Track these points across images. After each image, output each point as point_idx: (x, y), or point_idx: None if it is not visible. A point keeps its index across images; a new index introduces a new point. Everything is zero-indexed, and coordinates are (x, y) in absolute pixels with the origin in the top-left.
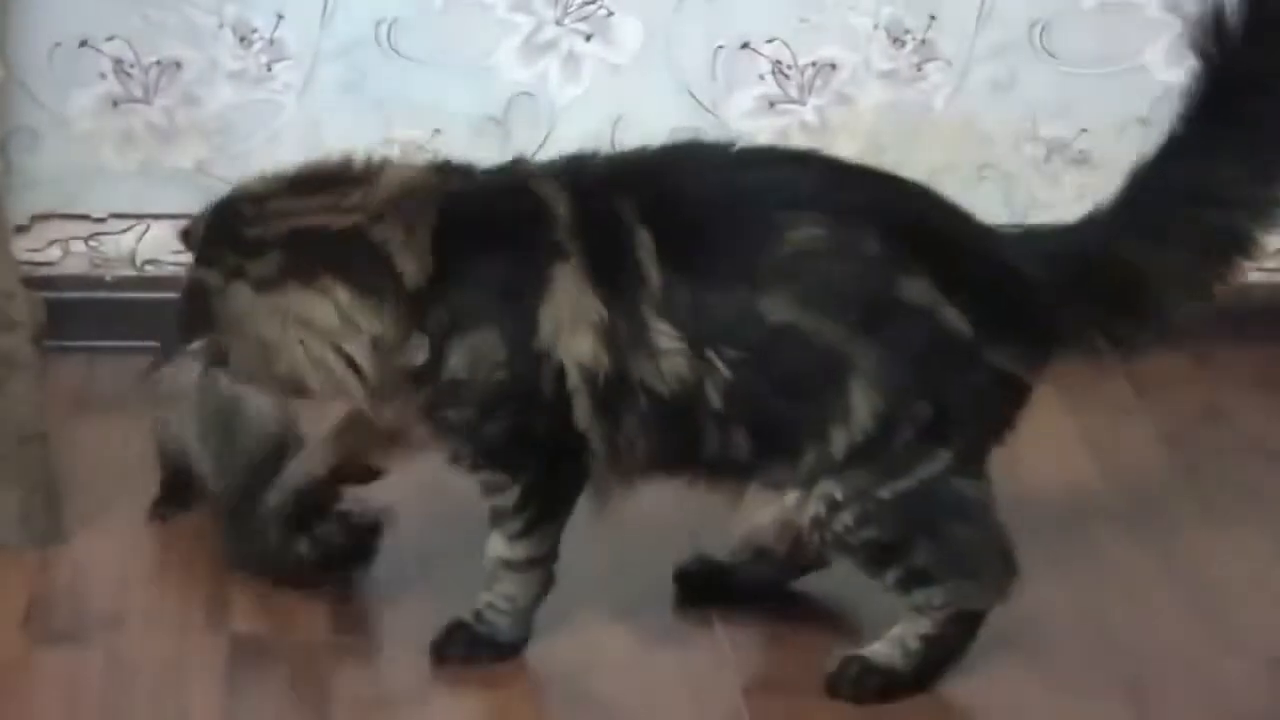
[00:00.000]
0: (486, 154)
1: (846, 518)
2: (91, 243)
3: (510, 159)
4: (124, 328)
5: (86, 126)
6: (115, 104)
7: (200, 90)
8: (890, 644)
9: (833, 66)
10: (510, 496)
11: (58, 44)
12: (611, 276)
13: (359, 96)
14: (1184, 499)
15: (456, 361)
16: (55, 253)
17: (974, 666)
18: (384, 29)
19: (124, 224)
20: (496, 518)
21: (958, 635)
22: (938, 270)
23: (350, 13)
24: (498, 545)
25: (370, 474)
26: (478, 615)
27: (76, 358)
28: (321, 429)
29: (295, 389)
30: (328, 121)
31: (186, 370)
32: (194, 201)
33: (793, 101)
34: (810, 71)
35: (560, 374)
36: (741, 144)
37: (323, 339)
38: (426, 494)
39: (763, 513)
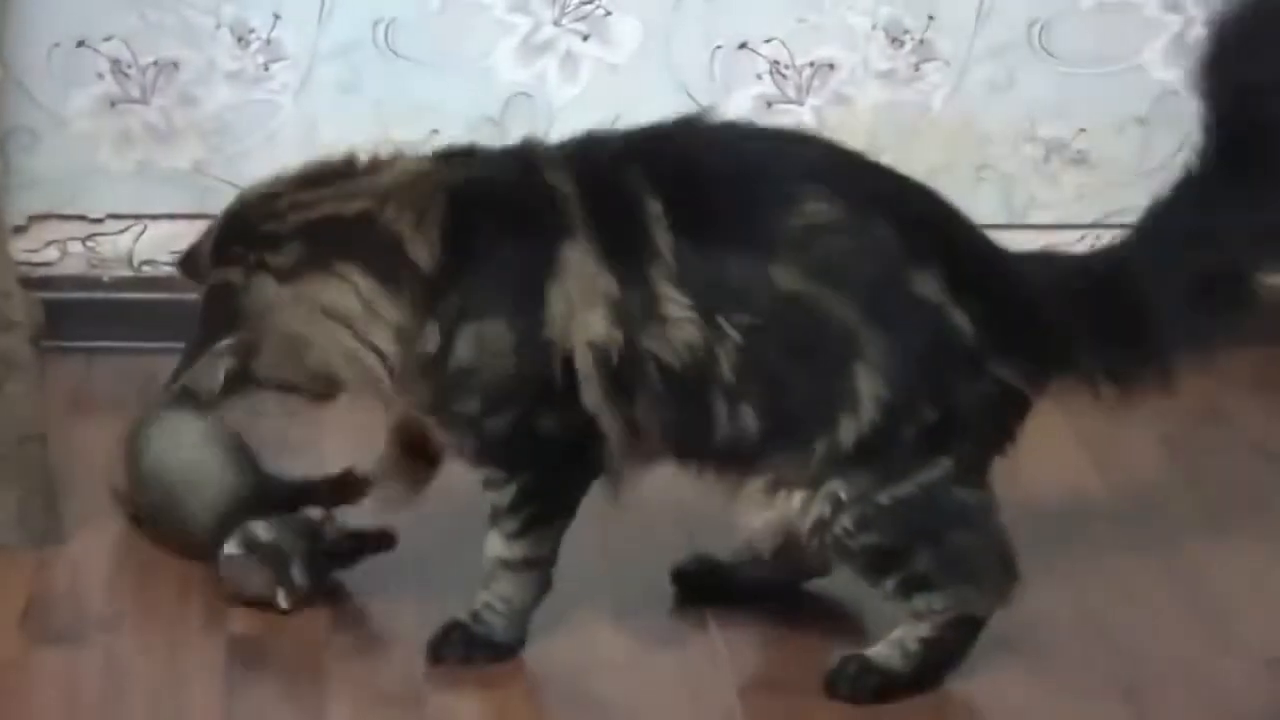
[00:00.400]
0: None
1: (847, 520)
2: (89, 243)
3: (519, 141)
4: (121, 328)
5: (84, 127)
6: (113, 104)
7: (198, 90)
8: (890, 645)
9: (831, 66)
10: (507, 494)
11: (56, 44)
12: (622, 249)
13: (356, 97)
14: (1183, 501)
15: (464, 349)
16: (53, 253)
17: (973, 669)
18: (381, 29)
19: (121, 224)
20: (495, 516)
21: (958, 639)
22: (946, 270)
23: (348, 13)
24: (495, 544)
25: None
26: (475, 615)
27: (74, 358)
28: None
29: (325, 383)
30: (325, 122)
31: (213, 372)
32: (191, 202)
33: (791, 101)
34: (808, 71)
35: (569, 361)
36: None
37: (349, 327)
38: (424, 494)
39: (765, 515)
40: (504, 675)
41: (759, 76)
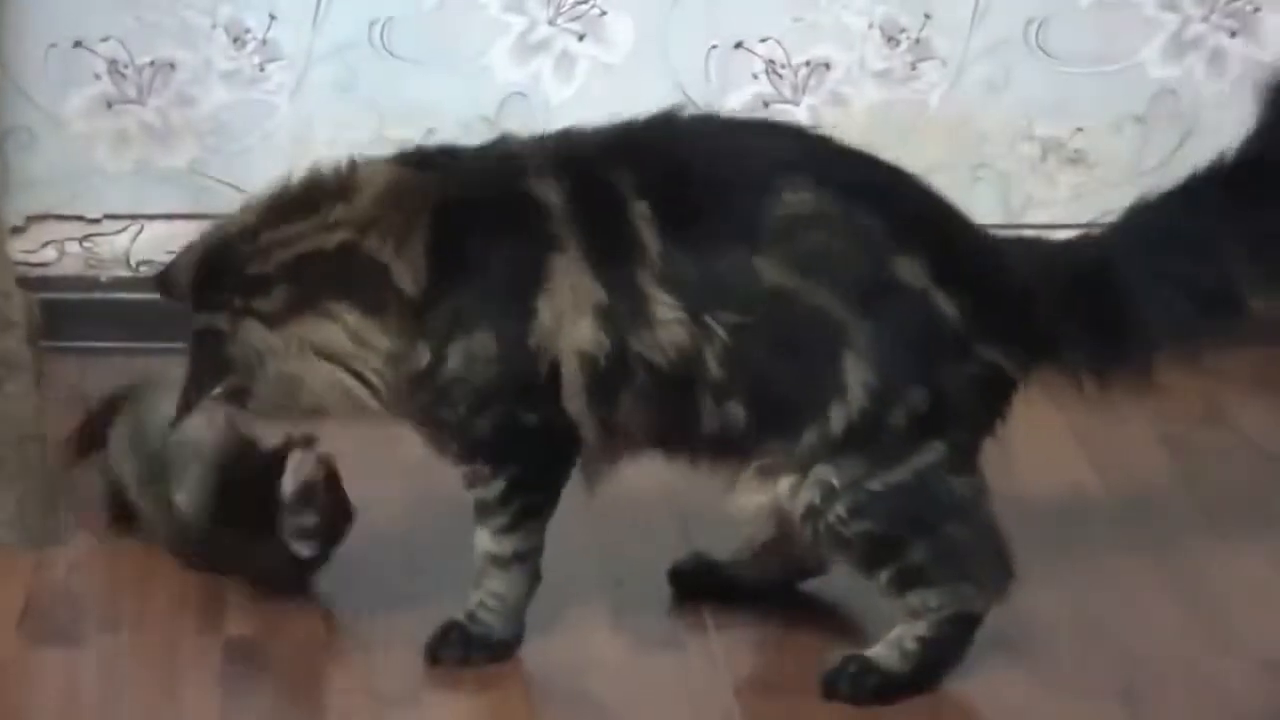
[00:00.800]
0: None
1: (840, 508)
2: (86, 243)
3: (495, 139)
4: (119, 328)
5: (81, 127)
6: (110, 105)
7: (194, 90)
8: (888, 646)
9: (827, 66)
10: (495, 489)
11: (53, 45)
12: (610, 254)
13: (352, 97)
14: (1182, 501)
15: (454, 363)
16: (50, 253)
17: (970, 669)
18: (377, 29)
19: (119, 225)
20: (482, 512)
21: (955, 637)
22: (931, 255)
23: (344, 13)
24: (485, 541)
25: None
26: (470, 615)
27: (72, 358)
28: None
29: (317, 413)
30: (321, 122)
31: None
32: (189, 202)
33: (787, 101)
34: (804, 71)
35: (554, 366)
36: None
37: (341, 364)
38: (417, 496)
39: (756, 499)
40: (502, 676)
41: (755, 76)
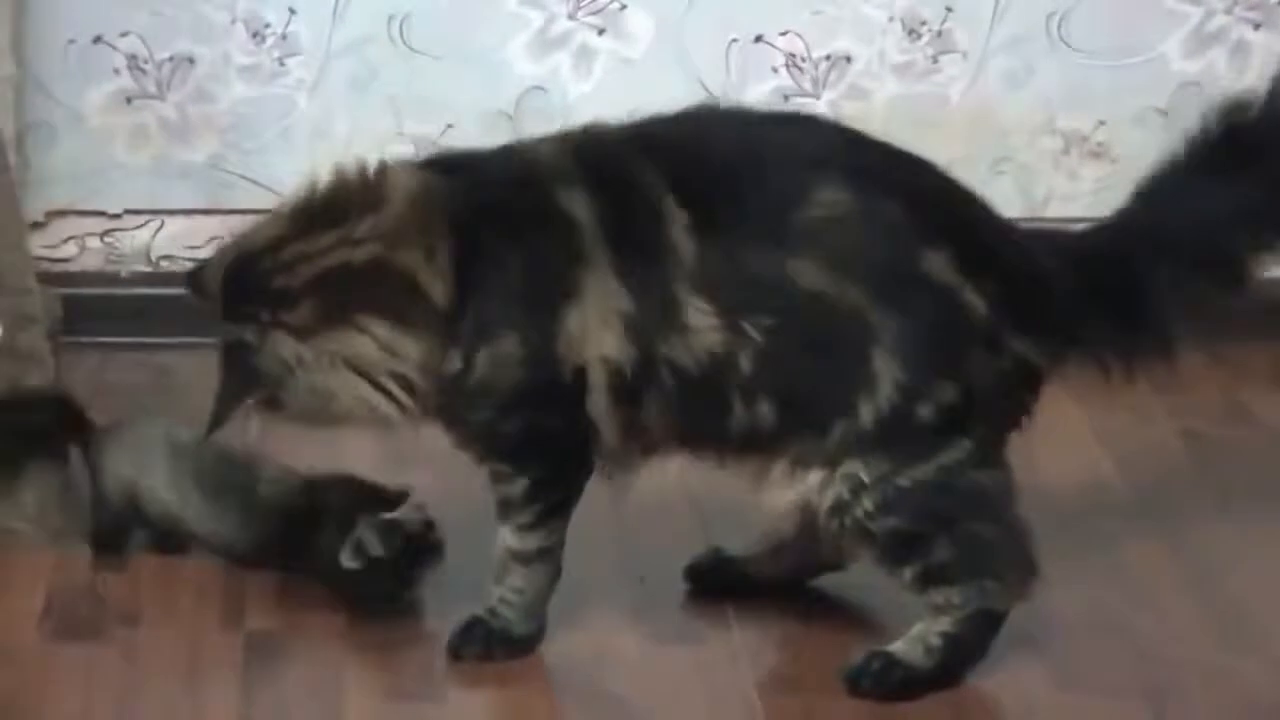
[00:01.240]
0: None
1: (868, 503)
2: (107, 239)
3: (517, 141)
4: (139, 324)
5: (101, 122)
6: (129, 100)
7: (213, 86)
8: (911, 642)
9: (847, 59)
10: (518, 487)
11: (72, 40)
12: (641, 262)
13: (371, 91)
14: (1202, 496)
15: (481, 368)
16: (71, 249)
17: (992, 666)
18: (396, 24)
19: (139, 220)
20: (505, 509)
21: (978, 634)
22: (957, 249)
23: (362, 8)
24: (507, 537)
25: None
26: (492, 611)
27: (92, 353)
28: None
29: (344, 421)
30: (340, 116)
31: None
32: (208, 197)
33: (807, 95)
34: (825, 64)
35: (579, 372)
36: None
37: (371, 376)
38: (438, 492)
39: (785, 495)
40: (522, 672)
41: (775, 70)
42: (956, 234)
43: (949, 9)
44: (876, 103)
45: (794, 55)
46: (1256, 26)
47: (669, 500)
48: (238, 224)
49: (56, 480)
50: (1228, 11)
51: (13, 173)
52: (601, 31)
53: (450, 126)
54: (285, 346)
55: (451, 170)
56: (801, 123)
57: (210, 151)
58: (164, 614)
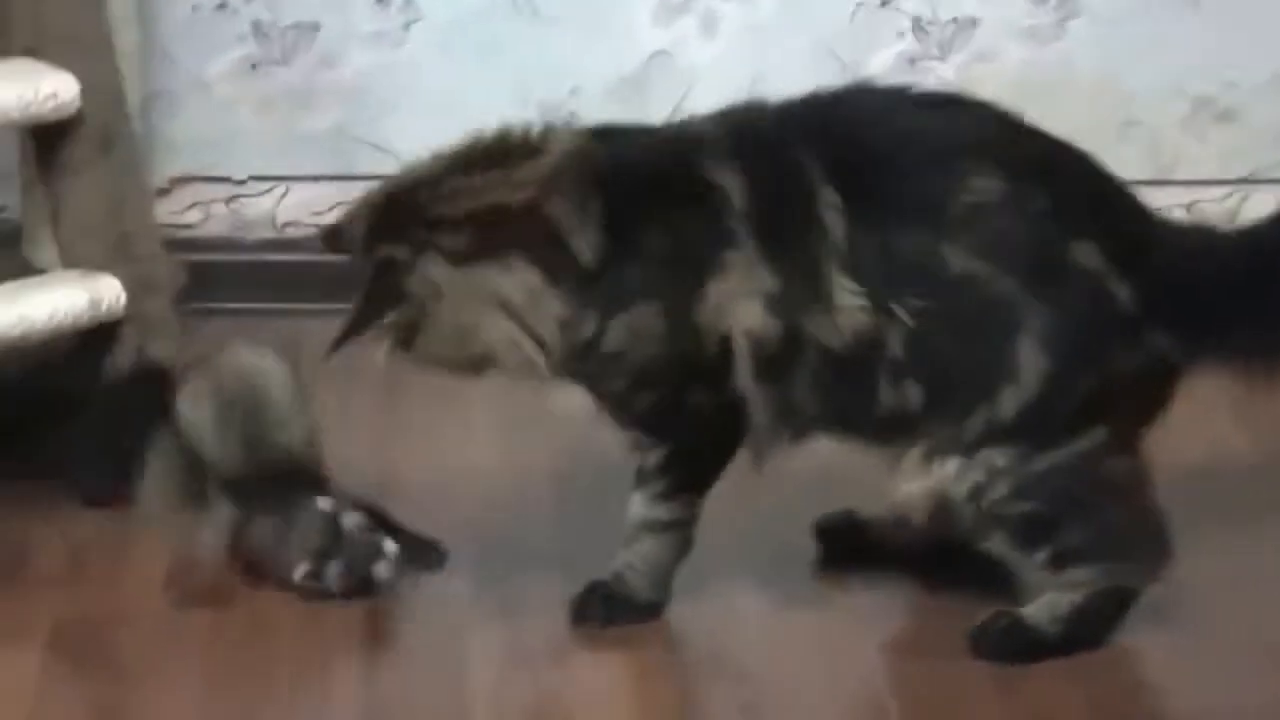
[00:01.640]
0: (623, 115)
1: (1003, 488)
2: (232, 205)
3: (676, 121)
4: (264, 290)
5: (225, 90)
6: (254, 67)
7: (338, 52)
8: (1039, 608)
9: (974, 23)
10: (656, 458)
11: (196, 7)
12: (788, 239)
13: (495, 57)
14: None
15: (615, 336)
16: (196, 215)
17: (1120, 636)
18: None
19: (264, 186)
20: (641, 478)
21: (1109, 610)
22: (1106, 240)
23: None
24: (640, 506)
25: None
26: (617, 576)
27: (217, 320)
28: None
29: (481, 366)
30: (464, 83)
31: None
32: (333, 164)
33: (933, 59)
34: (951, 28)
35: (724, 342)
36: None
37: (515, 318)
38: (564, 457)
39: (920, 484)
40: (645, 635)
41: (900, 34)
42: (1106, 225)
43: None
44: (1003, 67)
45: (920, 19)
46: None
47: (796, 464)
48: (361, 190)
49: (177, 455)
50: None
51: (138, 140)
52: None
53: (574, 92)
54: (437, 269)
55: (611, 138)
56: (958, 106)
57: (334, 118)
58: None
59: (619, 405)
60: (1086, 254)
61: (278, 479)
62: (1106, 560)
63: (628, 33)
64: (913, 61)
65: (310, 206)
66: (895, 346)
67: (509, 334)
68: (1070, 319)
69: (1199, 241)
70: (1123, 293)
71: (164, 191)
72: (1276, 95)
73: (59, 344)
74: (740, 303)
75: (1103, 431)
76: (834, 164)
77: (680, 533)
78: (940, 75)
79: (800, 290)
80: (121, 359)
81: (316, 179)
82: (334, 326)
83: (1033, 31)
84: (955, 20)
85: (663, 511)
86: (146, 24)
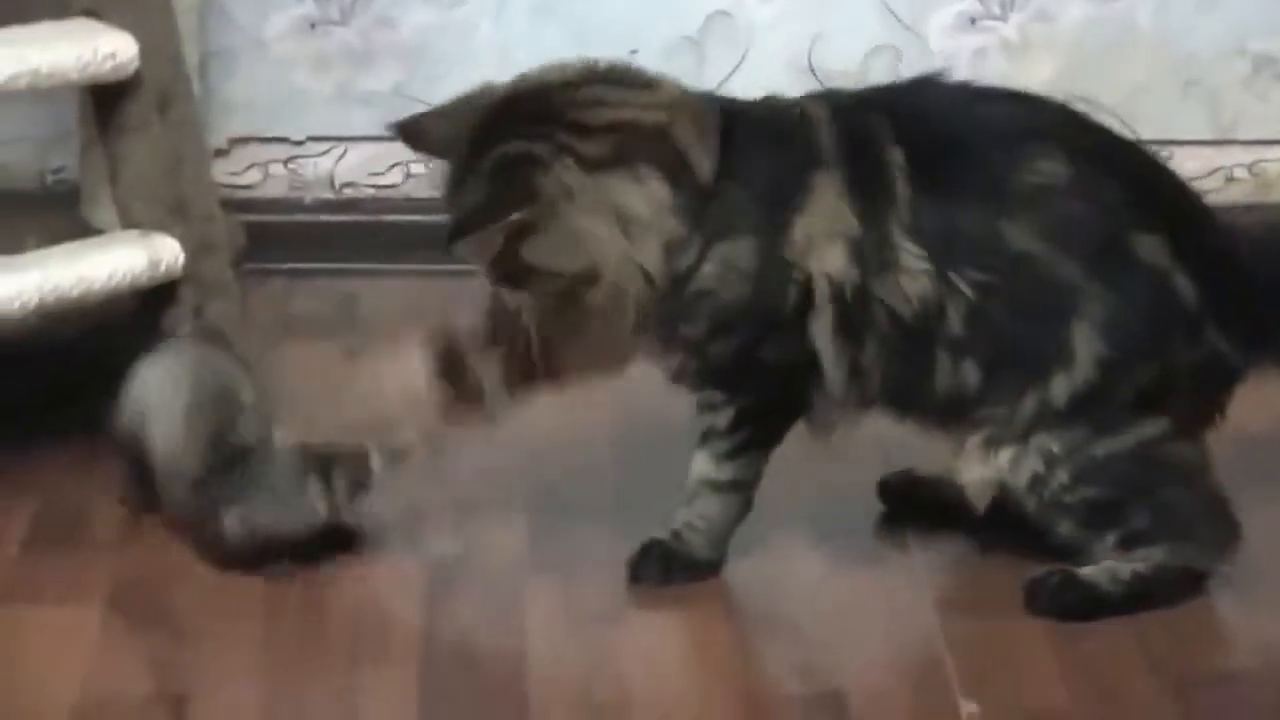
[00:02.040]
0: (682, 75)
1: (1063, 475)
2: (290, 165)
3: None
4: (323, 250)
5: (284, 49)
6: (312, 26)
7: (396, 12)
8: (1100, 570)
9: None
10: (724, 417)
11: None
12: (866, 193)
13: (554, 16)
14: None
15: (709, 269)
16: (254, 176)
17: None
18: None
19: (322, 146)
20: (706, 437)
21: (1175, 586)
22: (1172, 236)
23: None
24: (703, 464)
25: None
26: (675, 534)
27: (276, 280)
28: None
29: (580, 281)
30: (522, 42)
31: (492, 243)
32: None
33: (994, 18)
34: None
35: (806, 288)
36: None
37: (635, 233)
38: (621, 417)
39: (981, 473)
40: (702, 593)
41: None
42: (1171, 221)
43: None
44: (1063, 25)
45: None
46: None
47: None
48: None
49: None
50: None
51: (196, 100)
52: None
53: (634, 52)
54: (570, 173)
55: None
56: (1028, 100)
57: (393, 78)
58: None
59: (696, 353)
60: (1151, 248)
61: (235, 465)
62: (1174, 541)
63: None
64: (973, 21)
65: (368, 167)
66: (955, 321)
67: (622, 250)
68: (1130, 308)
69: (1261, 246)
70: (1185, 289)
71: (222, 152)
72: None
73: (117, 305)
74: (825, 244)
75: (1163, 421)
76: (903, 132)
77: (742, 493)
78: (1001, 34)
79: (873, 245)
80: (180, 320)
81: (375, 139)
82: (392, 287)
83: None
84: None
85: (727, 471)
86: None
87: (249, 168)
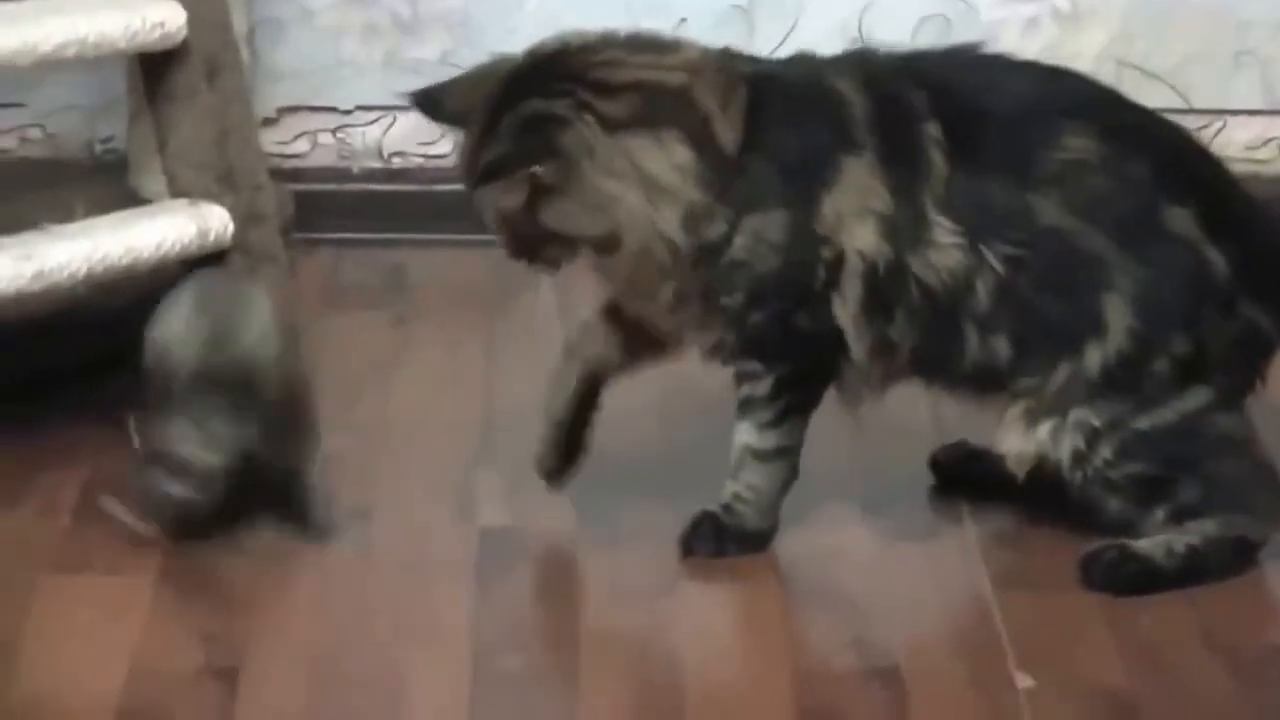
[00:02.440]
0: (732, 44)
1: (1106, 450)
2: (339, 135)
3: (795, 53)
4: (371, 220)
5: (331, 19)
6: None
7: None
8: (1155, 544)
9: None
10: (764, 386)
11: None
12: (899, 168)
13: None
14: None
15: (741, 241)
16: (303, 145)
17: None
18: None
19: (370, 116)
20: (747, 407)
21: (1229, 557)
22: (1201, 209)
23: None
24: (746, 434)
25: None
26: (725, 507)
27: (324, 249)
28: None
29: (601, 247)
30: (570, 11)
31: (514, 194)
32: None
33: None
34: None
35: (837, 262)
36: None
37: (654, 197)
38: (669, 390)
39: (1022, 446)
40: (754, 566)
41: None
42: (1202, 195)
43: None
44: None
45: None
46: None
47: (905, 397)
48: None
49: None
50: None
51: (244, 69)
52: None
53: (684, 21)
54: (592, 132)
55: (735, 55)
56: (1059, 74)
57: (441, 47)
58: (397, 510)
59: (736, 323)
60: (1181, 220)
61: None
62: (1225, 512)
63: None
64: None
65: (417, 136)
66: (984, 295)
67: (646, 215)
68: (1162, 279)
69: None
70: (1217, 261)
71: (271, 121)
72: None
73: (167, 274)
74: (856, 220)
75: (1206, 391)
76: (940, 107)
77: (787, 460)
78: (1053, 3)
79: (906, 220)
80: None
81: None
82: (439, 256)
83: None
84: None
85: (770, 439)
86: None
87: (298, 137)
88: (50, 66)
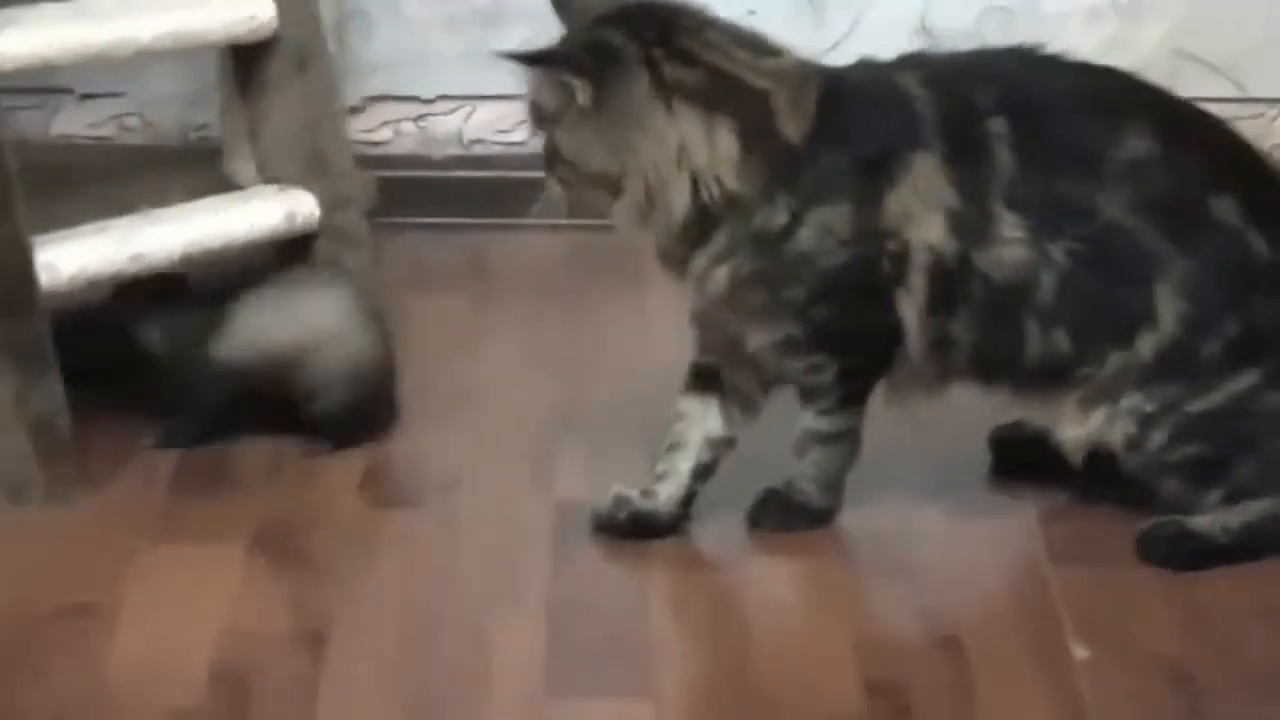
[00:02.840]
0: (799, 33)
1: (1160, 435)
2: (420, 123)
3: (859, 59)
4: (451, 205)
5: (416, 11)
6: None
7: None
8: (1211, 520)
9: None
10: (827, 375)
11: None
12: (966, 165)
13: None
14: None
15: (807, 233)
16: (387, 133)
17: None
18: None
19: (451, 105)
20: (808, 395)
21: None
22: (1247, 197)
23: None
24: (809, 420)
25: None
26: (790, 485)
27: (406, 234)
28: None
29: (609, 185)
30: None
31: (555, 95)
32: (519, 83)
33: None
34: None
35: (903, 256)
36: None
37: (674, 165)
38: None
39: (1078, 432)
40: (819, 542)
41: None
42: (1245, 185)
43: None
44: None
45: None
46: None
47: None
48: None
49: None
50: None
51: (332, 60)
52: None
53: (752, 13)
54: (640, 85)
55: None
56: (1115, 74)
57: (520, 37)
58: (479, 482)
59: (799, 316)
60: (1225, 208)
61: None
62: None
63: None
64: None
65: (496, 125)
66: (1047, 288)
67: (655, 176)
68: (1208, 265)
69: None
70: (1260, 245)
71: (356, 110)
72: None
73: (257, 256)
74: (924, 214)
75: (1256, 373)
76: (1006, 105)
77: (850, 440)
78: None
79: (973, 215)
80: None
81: (503, 98)
82: (516, 242)
83: None
84: None
85: (832, 424)
86: None
87: (382, 125)
88: (148, 58)
